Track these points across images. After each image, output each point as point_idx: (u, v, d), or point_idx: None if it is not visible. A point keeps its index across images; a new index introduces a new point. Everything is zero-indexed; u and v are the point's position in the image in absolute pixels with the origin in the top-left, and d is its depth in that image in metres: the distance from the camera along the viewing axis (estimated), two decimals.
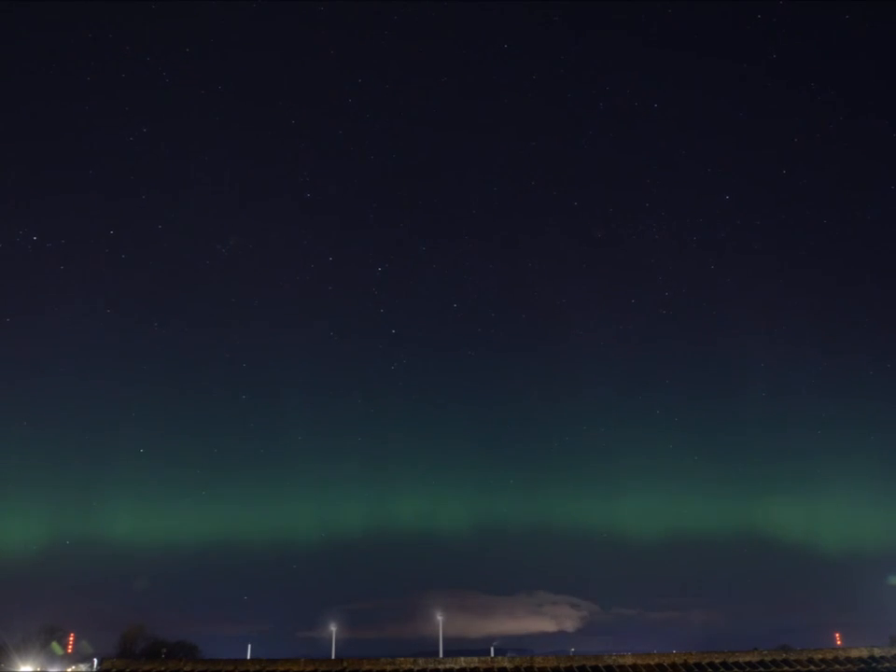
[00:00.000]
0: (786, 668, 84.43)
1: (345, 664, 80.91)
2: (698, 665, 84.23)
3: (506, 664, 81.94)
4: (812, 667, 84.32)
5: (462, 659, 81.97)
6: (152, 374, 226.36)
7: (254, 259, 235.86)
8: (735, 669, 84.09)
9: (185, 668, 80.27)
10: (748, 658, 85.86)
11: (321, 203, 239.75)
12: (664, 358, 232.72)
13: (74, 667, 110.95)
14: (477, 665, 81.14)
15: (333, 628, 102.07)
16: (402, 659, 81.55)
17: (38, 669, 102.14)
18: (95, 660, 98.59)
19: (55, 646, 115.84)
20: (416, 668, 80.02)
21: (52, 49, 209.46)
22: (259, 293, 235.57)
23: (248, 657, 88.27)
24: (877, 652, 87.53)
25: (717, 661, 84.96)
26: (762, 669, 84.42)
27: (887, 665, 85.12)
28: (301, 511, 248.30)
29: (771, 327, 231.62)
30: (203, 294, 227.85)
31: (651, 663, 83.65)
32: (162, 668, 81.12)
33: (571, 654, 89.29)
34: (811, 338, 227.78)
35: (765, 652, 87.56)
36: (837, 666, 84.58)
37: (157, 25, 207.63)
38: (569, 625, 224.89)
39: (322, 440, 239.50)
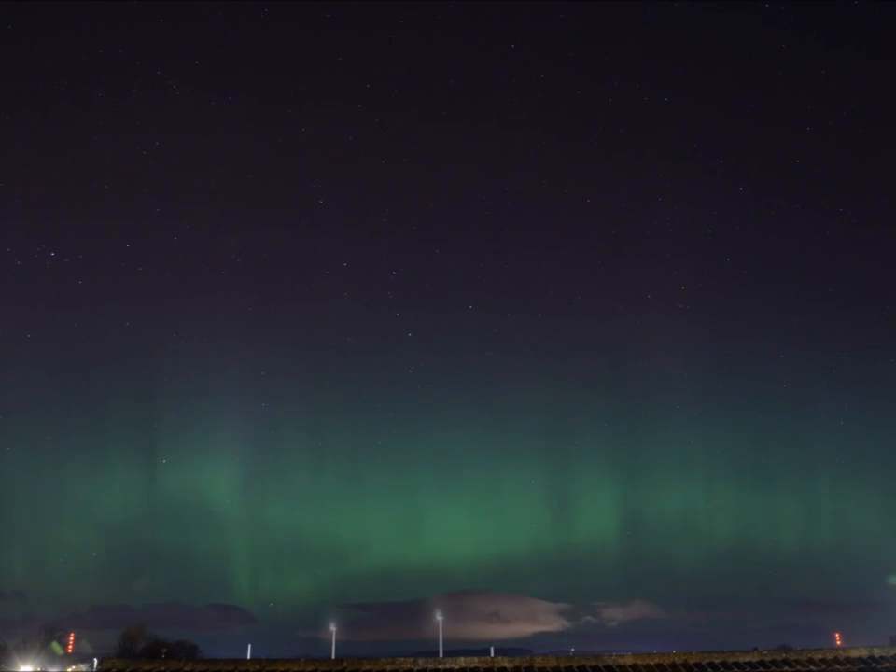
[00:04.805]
0: (786, 668, 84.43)
1: (345, 664, 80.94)
2: (698, 664, 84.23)
3: (506, 664, 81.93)
4: (812, 667, 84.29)
5: (462, 659, 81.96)
6: (172, 384, 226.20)
7: (269, 267, 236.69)
8: (735, 669, 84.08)
9: (185, 668, 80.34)
10: (748, 658, 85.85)
11: (334, 209, 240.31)
12: (680, 354, 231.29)
13: (74, 667, 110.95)
14: (477, 665, 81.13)
15: (333, 628, 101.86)
16: (402, 659, 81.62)
17: (38, 669, 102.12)
18: (95, 660, 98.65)
19: (55, 646, 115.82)
20: (416, 668, 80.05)
21: (63, 68, 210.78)
22: (274, 301, 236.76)
23: (248, 657, 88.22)
24: (877, 652, 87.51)
25: (717, 661, 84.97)
26: (762, 669, 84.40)
27: (887, 665, 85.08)
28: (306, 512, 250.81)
29: (789, 318, 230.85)
30: (219, 304, 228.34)
31: (651, 663, 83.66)
32: (162, 668, 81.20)
33: (571, 654, 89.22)
34: (830, 329, 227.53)
35: (765, 652, 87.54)
36: (837, 666, 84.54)
37: (165, 39, 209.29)
38: (569, 626, 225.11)
39: (336, 442, 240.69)
